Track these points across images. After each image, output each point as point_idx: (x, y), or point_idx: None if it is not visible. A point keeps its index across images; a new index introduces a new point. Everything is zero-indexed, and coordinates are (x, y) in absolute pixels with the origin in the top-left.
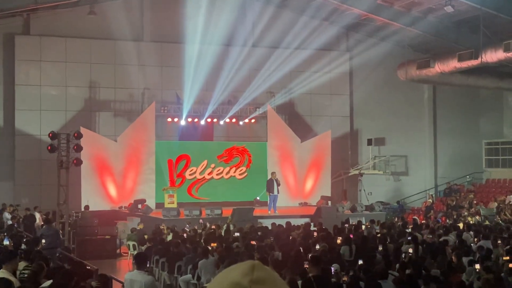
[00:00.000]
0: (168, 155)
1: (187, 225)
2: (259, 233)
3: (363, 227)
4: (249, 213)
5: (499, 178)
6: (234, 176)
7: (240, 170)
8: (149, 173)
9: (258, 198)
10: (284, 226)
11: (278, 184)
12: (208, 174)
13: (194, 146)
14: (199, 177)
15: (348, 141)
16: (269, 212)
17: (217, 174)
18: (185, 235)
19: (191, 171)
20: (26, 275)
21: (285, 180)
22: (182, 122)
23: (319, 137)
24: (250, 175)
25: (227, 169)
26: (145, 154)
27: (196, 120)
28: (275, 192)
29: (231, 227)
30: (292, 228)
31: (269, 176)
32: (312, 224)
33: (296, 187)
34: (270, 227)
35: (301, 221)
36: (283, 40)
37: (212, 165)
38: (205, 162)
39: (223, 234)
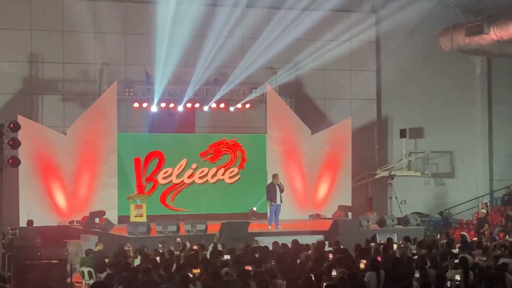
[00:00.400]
0: (134, 153)
1: (160, 245)
2: (256, 255)
3: (395, 246)
4: (243, 229)
5: None
6: (223, 179)
7: (231, 172)
8: (110, 176)
9: (254, 208)
10: (290, 245)
11: (282, 191)
12: (188, 177)
13: (169, 140)
14: (176, 181)
15: (374, 133)
16: (270, 227)
17: (199, 178)
18: (158, 258)
19: (165, 173)
20: None
21: (291, 185)
22: (154, 109)
23: (336, 128)
24: (244, 178)
25: (213, 170)
26: (104, 151)
27: (171, 105)
28: (278, 201)
29: (219, 248)
30: (301, 248)
31: (270, 180)
32: (326, 243)
33: (306, 194)
34: (271, 247)
35: (312, 239)
36: None
37: (194, 166)
38: (184, 161)
39: (208, 256)
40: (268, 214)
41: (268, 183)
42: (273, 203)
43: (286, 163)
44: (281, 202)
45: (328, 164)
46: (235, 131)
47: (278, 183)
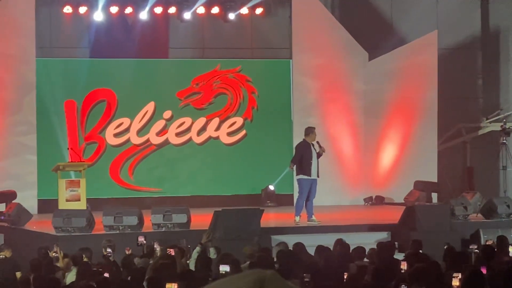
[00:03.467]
0: (66, 92)
1: (110, 250)
2: (276, 265)
3: None
4: (252, 222)
5: None
6: (217, 137)
7: (231, 125)
8: (23, 133)
9: (271, 187)
10: (333, 248)
11: (320, 156)
12: (158, 134)
13: (125, 70)
14: (136, 141)
15: (477, 57)
16: (298, 218)
17: (177, 135)
18: (106, 275)
19: (118, 126)
20: None
21: (334, 149)
22: (98, 16)
23: (410, 48)
24: (253, 135)
25: (201, 122)
26: (13, 89)
27: (128, 11)
28: (313, 174)
29: (211, 254)
30: (350, 254)
31: (298, 138)
32: (396, 244)
33: (358, 163)
34: (301, 254)
35: (369, 239)
36: None
37: (167, 114)
38: (151, 106)
39: (192, 267)
40: (296, 197)
41: (298, 143)
42: (305, 176)
43: (325, 110)
44: (318, 176)
45: (398, 111)
46: (237, 54)
47: (314, 142)
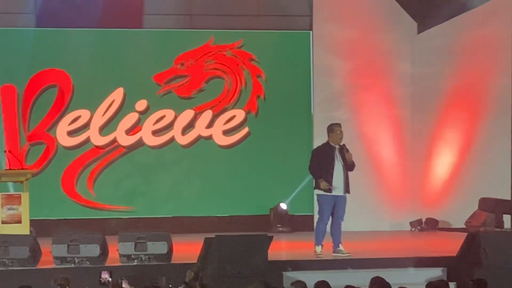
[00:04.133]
0: (2, 73)
1: None
2: None
3: None
4: (257, 253)
5: None
6: (210, 137)
7: (228, 119)
8: None
9: (283, 206)
10: None
11: (349, 164)
12: (129, 132)
13: (84, 44)
14: (99, 141)
15: None
16: (318, 250)
17: (155, 133)
18: None
19: (73, 121)
20: None
21: (370, 154)
22: None
23: (474, 15)
24: (258, 133)
25: (188, 114)
26: None
27: None
28: (339, 189)
29: None
30: None
31: (320, 138)
32: (453, 285)
33: (403, 173)
34: None
35: (418, 278)
36: None
37: (141, 104)
38: (119, 93)
39: None
40: (316, 220)
41: (317, 146)
42: (326, 191)
43: (357, 101)
44: (347, 192)
45: (458, 103)
46: (238, 23)
47: (340, 146)
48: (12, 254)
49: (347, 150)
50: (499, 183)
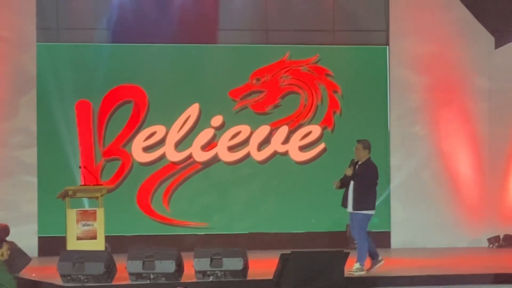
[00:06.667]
0: (78, 89)
1: None
2: None
3: None
4: (334, 270)
5: None
6: (286, 153)
7: (305, 135)
8: (20, 147)
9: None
10: None
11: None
12: (204, 148)
13: (159, 60)
14: (174, 157)
15: None
16: (355, 265)
17: (230, 148)
18: None
19: (149, 137)
20: None
21: (447, 170)
22: None
23: None
24: (336, 149)
25: (264, 130)
26: (5, 83)
27: None
28: (349, 207)
29: None
30: None
31: (400, 155)
32: None
33: (481, 188)
34: None
35: None
36: None
37: (217, 120)
38: (194, 109)
39: None
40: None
41: (394, 160)
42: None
43: (434, 116)
44: (356, 209)
45: None
46: (314, 39)
47: (356, 161)
48: (87, 270)
49: (355, 166)
50: None
